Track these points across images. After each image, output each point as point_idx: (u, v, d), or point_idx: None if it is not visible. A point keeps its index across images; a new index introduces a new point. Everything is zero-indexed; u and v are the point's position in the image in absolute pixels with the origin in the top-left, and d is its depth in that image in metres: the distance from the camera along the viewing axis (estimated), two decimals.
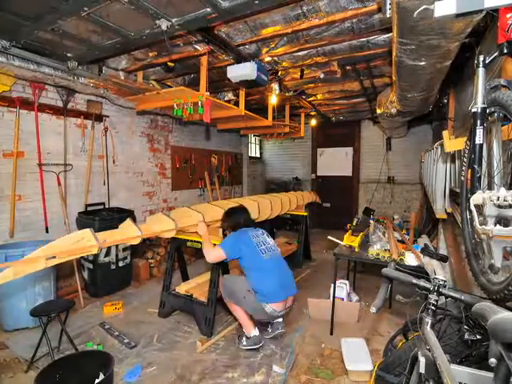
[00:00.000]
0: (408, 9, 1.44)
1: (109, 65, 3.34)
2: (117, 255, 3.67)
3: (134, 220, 3.37)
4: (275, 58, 3.19)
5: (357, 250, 2.79)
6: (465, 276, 2.10)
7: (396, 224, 3.86)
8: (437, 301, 1.14)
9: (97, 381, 1.85)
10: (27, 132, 3.31)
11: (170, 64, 3.24)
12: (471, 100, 1.27)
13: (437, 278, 1.16)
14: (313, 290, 3.72)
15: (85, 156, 3.90)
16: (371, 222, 3.40)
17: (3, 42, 2.49)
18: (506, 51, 1.33)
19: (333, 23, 2.44)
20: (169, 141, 5.38)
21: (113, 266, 3.64)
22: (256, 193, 7.62)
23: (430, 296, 1.15)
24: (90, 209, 3.90)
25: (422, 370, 1.05)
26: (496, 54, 1.32)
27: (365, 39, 2.77)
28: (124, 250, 3.76)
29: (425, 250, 2.55)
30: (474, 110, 1.23)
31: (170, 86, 4.08)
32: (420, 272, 2.26)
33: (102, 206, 4.07)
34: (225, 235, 2.98)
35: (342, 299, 3.08)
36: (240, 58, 2.96)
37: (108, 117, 4.19)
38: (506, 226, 1.02)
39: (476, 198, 1.13)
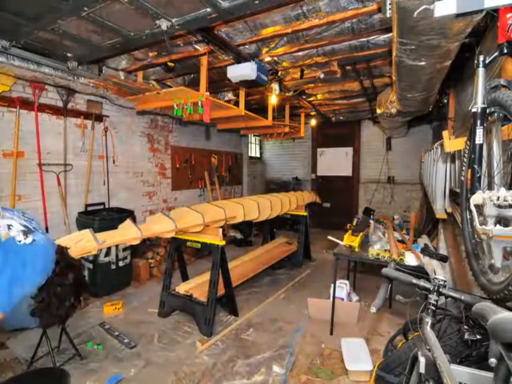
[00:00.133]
0: (408, 9, 1.44)
1: (109, 65, 3.34)
2: (117, 255, 3.67)
3: (134, 220, 3.38)
4: (275, 58, 3.19)
5: (357, 249, 2.79)
6: (465, 276, 2.10)
7: (396, 224, 3.86)
8: (437, 301, 1.14)
9: None
10: (27, 132, 3.30)
11: (170, 64, 3.24)
12: (471, 100, 1.27)
13: (437, 278, 1.16)
14: (313, 289, 3.72)
15: (85, 156, 3.90)
16: (371, 221, 3.39)
17: (3, 42, 2.49)
18: (505, 51, 1.33)
19: (333, 23, 2.44)
20: (169, 141, 5.38)
21: (113, 266, 3.64)
22: (256, 193, 7.62)
23: (430, 296, 1.15)
24: (90, 209, 3.90)
25: (422, 370, 1.04)
26: (496, 53, 1.32)
27: (365, 39, 2.77)
28: (124, 250, 3.76)
29: (425, 250, 2.55)
30: (474, 110, 1.24)
31: (170, 86, 4.08)
32: (420, 272, 2.26)
33: (102, 206, 4.07)
34: (225, 235, 2.98)
35: (342, 299, 3.08)
36: (240, 58, 2.96)
37: (108, 117, 4.19)
38: (506, 226, 1.02)
39: (476, 198, 1.13)
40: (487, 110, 1.22)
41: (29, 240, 1.37)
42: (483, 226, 1.06)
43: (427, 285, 1.19)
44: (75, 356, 2.40)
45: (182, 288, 3.08)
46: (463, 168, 1.41)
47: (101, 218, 3.50)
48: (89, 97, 3.89)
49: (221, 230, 2.93)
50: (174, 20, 2.17)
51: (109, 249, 3.56)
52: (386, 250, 2.67)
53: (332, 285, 2.84)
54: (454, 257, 2.55)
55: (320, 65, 3.40)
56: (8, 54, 2.64)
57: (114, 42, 2.55)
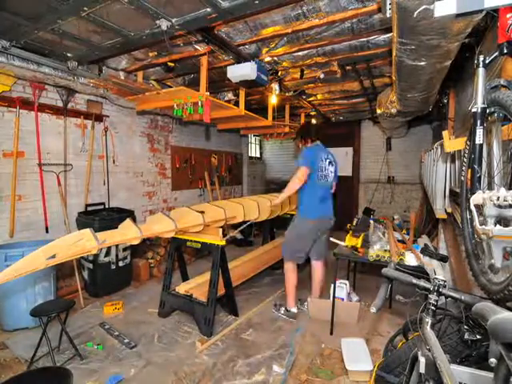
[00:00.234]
0: (408, 9, 1.44)
1: (109, 65, 3.34)
2: (117, 255, 3.67)
3: (134, 220, 3.38)
4: (275, 58, 3.19)
5: (360, 250, 2.76)
6: (465, 276, 2.10)
7: (396, 224, 3.86)
8: (437, 301, 1.14)
9: None
10: (27, 132, 3.31)
11: (170, 64, 3.23)
12: (471, 100, 1.27)
13: (437, 278, 1.16)
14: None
15: (85, 156, 3.90)
16: (371, 222, 3.39)
17: (3, 42, 2.49)
18: (505, 51, 1.33)
19: (333, 23, 2.44)
20: (169, 141, 5.38)
21: (113, 266, 3.64)
22: (256, 193, 7.62)
23: (429, 296, 1.15)
24: (90, 209, 3.90)
25: (422, 370, 1.04)
26: (496, 53, 1.32)
27: (365, 39, 2.77)
28: (124, 249, 3.76)
29: (425, 250, 2.55)
30: (474, 109, 1.23)
31: (170, 86, 4.08)
32: (420, 272, 2.26)
33: (102, 206, 4.06)
34: (225, 235, 2.99)
35: (342, 299, 3.08)
36: (240, 58, 2.96)
37: (108, 117, 4.19)
38: (506, 226, 1.02)
39: (476, 198, 1.13)
40: (487, 110, 1.22)
41: None
42: (483, 226, 1.06)
43: (427, 285, 1.19)
44: (75, 356, 2.41)
45: (182, 288, 3.08)
46: (463, 168, 1.41)
47: (101, 217, 3.51)
48: (89, 97, 3.89)
49: (221, 229, 2.94)
50: (173, 20, 2.17)
51: (109, 249, 3.56)
52: (385, 250, 2.67)
53: (332, 285, 2.84)
54: (454, 257, 2.55)
55: (320, 65, 3.40)
56: (8, 53, 2.64)
57: (113, 42, 2.55)
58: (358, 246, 2.83)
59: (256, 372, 2.28)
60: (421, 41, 1.74)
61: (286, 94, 4.27)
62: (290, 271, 3.10)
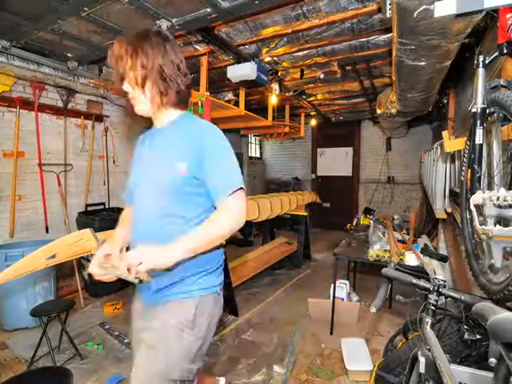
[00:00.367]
0: (408, 9, 1.44)
1: (109, 65, 3.34)
2: None
3: None
4: (275, 58, 3.19)
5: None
6: (465, 276, 2.10)
7: (396, 224, 3.86)
8: (437, 301, 1.14)
9: None
10: (27, 132, 3.30)
11: None
12: (471, 100, 1.27)
13: (437, 278, 1.16)
14: (313, 289, 3.72)
15: (85, 156, 3.90)
16: (371, 222, 3.40)
17: (3, 42, 2.49)
18: (505, 51, 1.33)
19: (333, 23, 2.44)
20: None
21: None
22: (256, 193, 7.62)
23: (429, 296, 1.15)
24: (90, 209, 3.90)
25: (422, 369, 1.04)
26: (496, 54, 1.32)
27: (365, 39, 2.77)
28: None
29: (425, 250, 2.55)
30: (473, 110, 1.23)
31: None
32: (420, 272, 2.26)
33: (102, 206, 4.06)
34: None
35: (342, 299, 3.08)
36: (240, 58, 2.96)
37: (108, 117, 4.19)
38: (506, 226, 1.02)
39: (476, 198, 1.13)
40: (487, 110, 1.22)
41: None
42: (483, 226, 1.06)
43: (427, 285, 1.19)
44: (75, 356, 2.40)
45: None
46: (463, 168, 1.41)
47: (101, 218, 3.50)
48: (89, 97, 3.89)
49: None
50: (174, 20, 2.18)
51: None
52: (385, 250, 2.67)
53: (332, 285, 2.84)
54: (454, 257, 2.55)
55: (320, 65, 3.40)
56: (8, 53, 2.64)
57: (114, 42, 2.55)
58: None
59: (256, 372, 2.28)
60: (421, 41, 1.74)
61: (286, 94, 4.27)
62: None
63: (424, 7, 1.40)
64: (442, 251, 2.80)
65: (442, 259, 2.39)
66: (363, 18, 2.38)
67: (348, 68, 3.57)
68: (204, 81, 3.12)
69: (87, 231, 2.09)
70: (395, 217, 4.45)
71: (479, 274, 1.23)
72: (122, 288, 3.77)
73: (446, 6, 1.22)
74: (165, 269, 1.00)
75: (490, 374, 0.90)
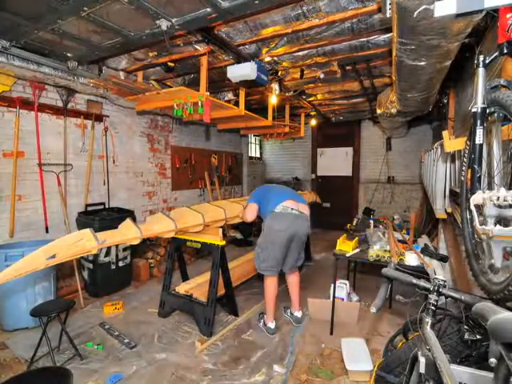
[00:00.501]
0: (408, 9, 1.44)
1: (109, 65, 3.34)
2: (117, 255, 3.67)
3: (134, 220, 3.37)
4: (275, 58, 3.19)
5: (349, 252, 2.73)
6: (465, 276, 2.10)
7: (396, 224, 3.86)
8: (437, 301, 1.14)
9: None
10: (27, 132, 3.30)
11: (169, 64, 3.23)
12: (471, 100, 1.27)
13: (437, 278, 1.16)
14: (313, 290, 3.72)
15: (85, 156, 3.90)
16: (371, 222, 3.40)
17: (3, 42, 2.49)
18: (505, 51, 1.33)
19: (333, 23, 2.44)
20: (169, 141, 5.37)
21: (113, 266, 3.64)
22: None
23: (430, 296, 1.15)
24: (90, 209, 3.90)
25: (422, 370, 1.04)
26: (496, 53, 1.32)
27: (365, 39, 2.77)
28: (124, 249, 3.76)
29: (425, 250, 2.55)
30: (474, 109, 1.24)
31: (170, 86, 4.08)
32: (420, 272, 2.26)
33: (102, 206, 4.06)
34: (224, 235, 2.98)
35: (342, 299, 3.08)
36: (240, 58, 2.96)
37: (108, 117, 4.19)
38: (506, 226, 1.02)
39: (476, 198, 1.13)
40: (487, 110, 1.22)
41: None
42: (483, 226, 1.06)
43: (427, 285, 1.19)
44: (75, 356, 2.40)
45: (181, 288, 3.08)
46: (463, 168, 1.41)
47: (101, 217, 3.50)
48: (89, 97, 3.89)
49: (221, 229, 2.94)
50: (173, 20, 2.17)
51: (109, 249, 3.56)
52: (385, 250, 2.67)
53: (332, 285, 2.84)
54: (454, 257, 2.55)
55: (320, 65, 3.40)
56: (8, 53, 2.64)
57: (113, 41, 2.55)
58: (350, 250, 2.74)
59: (256, 372, 2.28)
60: (421, 41, 1.74)
61: (286, 94, 4.27)
62: (269, 283, 2.81)
63: (424, 7, 1.40)
64: (442, 251, 2.80)
65: (442, 259, 2.39)
66: (363, 18, 2.38)
67: (348, 68, 3.57)
68: (204, 81, 3.12)
69: (87, 231, 2.09)
70: (395, 217, 4.46)
71: (479, 274, 1.23)
72: (121, 288, 3.77)
73: (446, 5, 1.22)
74: None
75: (490, 374, 0.90)
